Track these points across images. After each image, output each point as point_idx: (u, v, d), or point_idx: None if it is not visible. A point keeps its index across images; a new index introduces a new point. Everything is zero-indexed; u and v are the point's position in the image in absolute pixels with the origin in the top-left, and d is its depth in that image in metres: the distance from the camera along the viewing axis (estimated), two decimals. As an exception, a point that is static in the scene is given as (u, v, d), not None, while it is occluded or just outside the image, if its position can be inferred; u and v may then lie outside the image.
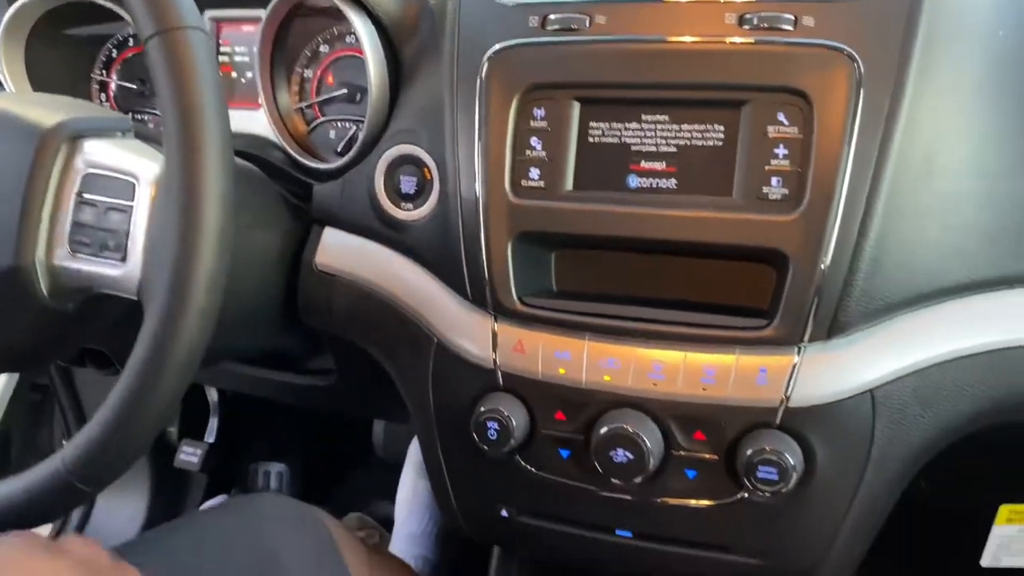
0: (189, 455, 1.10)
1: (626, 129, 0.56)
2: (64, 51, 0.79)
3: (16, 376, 0.53)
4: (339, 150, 0.74)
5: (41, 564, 0.46)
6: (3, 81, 0.76)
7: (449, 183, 0.60)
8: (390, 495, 1.17)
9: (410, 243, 0.63)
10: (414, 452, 1.14)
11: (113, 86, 0.81)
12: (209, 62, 0.46)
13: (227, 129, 0.47)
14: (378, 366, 0.71)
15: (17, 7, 0.72)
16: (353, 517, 1.20)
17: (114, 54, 0.81)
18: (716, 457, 0.56)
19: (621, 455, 0.55)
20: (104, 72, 0.81)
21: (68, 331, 0.54)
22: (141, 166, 0.48)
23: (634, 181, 0.56)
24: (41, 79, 0.77)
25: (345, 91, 0.73)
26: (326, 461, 1.30)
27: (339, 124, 0.74)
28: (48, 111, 0.50)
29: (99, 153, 0.49)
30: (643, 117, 0.55)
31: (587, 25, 0.56)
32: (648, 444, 0.55)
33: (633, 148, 0.56)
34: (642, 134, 0.56)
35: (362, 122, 0.72)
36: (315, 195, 0.68)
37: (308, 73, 0.74)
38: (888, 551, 0.67)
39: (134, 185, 0.47)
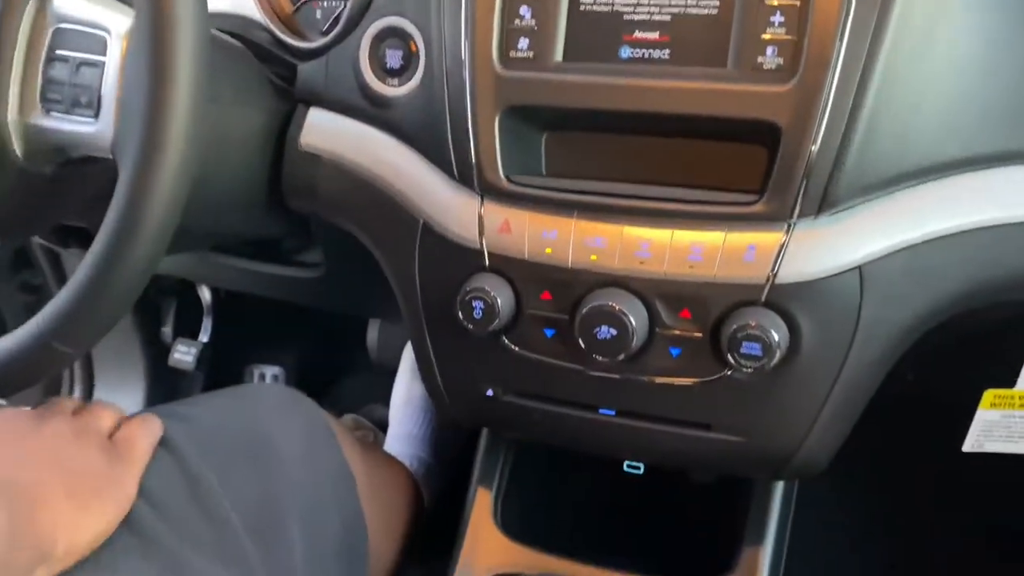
0: (184, 354, 1.11)
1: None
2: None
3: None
4: (324, 29, 0.71)
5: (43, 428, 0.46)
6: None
7: (435, 55, 0.58)
8: (384, 399, 1.18)
9: (396, 121, 0.62)
10: (408, 355, 1.14)
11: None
12: None
13: None
14: (367, 259, 0.70)
15: None
16: (348, 418, 1.21)
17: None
18: (701, 335, 0.55)
19: (605, 332, 0.55)
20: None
21: (47, 198, 0.53)
22: (112, 19, 0.46)
23: (626, 51, 0.55)
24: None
25: (331, -32, 0.70)
26: (321, 365, 1.31)
27: (325, 3, 0.72)
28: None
29: (69, 7, 0.47)
30: (637, -17, 0.53)
31: None
32: (633, 321, 0.55)
33: (625, 17, 0.54)
34: (635, 2, 0.54)
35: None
36: (300, 74, 0.66)
37: (293, -50, 0.71)
38: (869, 440, 0.68)
39: (105, 39, 0.46)
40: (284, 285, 0.87)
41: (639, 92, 0.53)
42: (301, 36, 0.71)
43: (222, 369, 1.21)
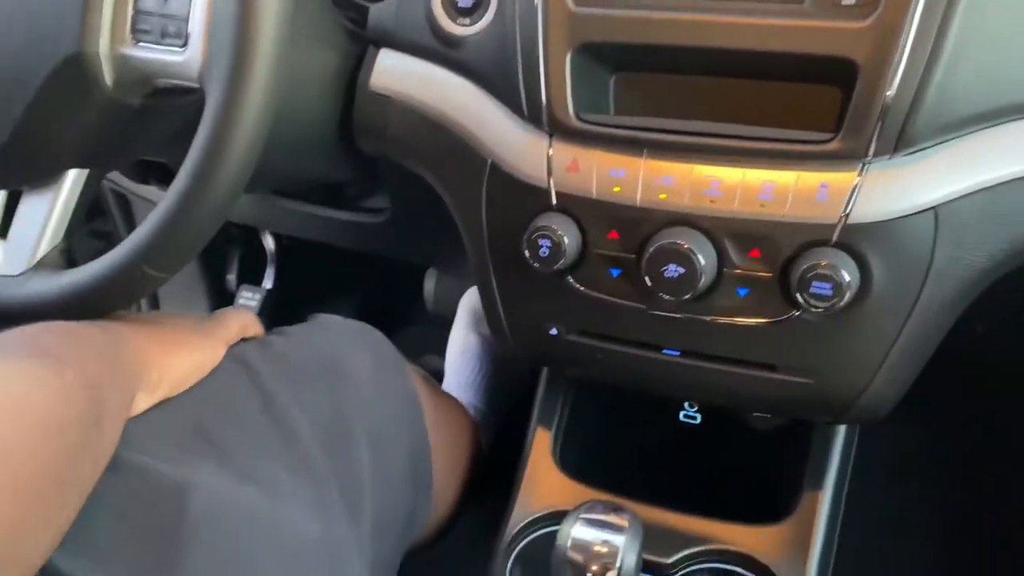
0: (248, 300, 1.14)
1: (695, -68, 0.54)
2: None
3: (85, 173, 0.54)
4: (396, -28, 0.72)
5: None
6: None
7: (508, -7, 0.58)
8: (440, 350, 1.20)
9: (466, 60, 0.62)
10: (466, 304, 1.15)
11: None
12: None
13: None
14: (433, 203, 0.71)
15: None
16: (406, 366, 1.23)
17: None
18: (770, 275, 0.55)
19: (672, 270, 0.55)
20: None
21: (132, 130, 0.55)
22: (201, -51, 0.47)
23: (702, -12, 0.54)
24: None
25: (403, -90, 0.70)
26: (378, 315, 1.33)
27: (396, -54, 0.72)
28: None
29: (158, -62, 0.49)
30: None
31: None
32: (701, 260, 0.55)
33: (704, -49, 0.54)
34: (712, -62, 0.54)
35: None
36: (371, 15, 0.67)
37: None
38: (934, 391, 0.67)
39: (194, -30, 0.47)
40: (349, 231, 0.89)
41: (715, 28, 0.53)
42: (371, -22, 0.72)
43: (283, 316, 1.24)
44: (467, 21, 0.62)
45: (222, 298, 1.20)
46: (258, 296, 1.14)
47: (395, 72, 0.66)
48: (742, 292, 0.57)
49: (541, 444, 0.74)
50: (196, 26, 0.47)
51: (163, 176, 0.77)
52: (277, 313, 1.22)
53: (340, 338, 0.64)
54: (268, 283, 1.17)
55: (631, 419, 0.83)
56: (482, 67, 0.61)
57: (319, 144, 0.70)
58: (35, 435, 0.35)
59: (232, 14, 0.45)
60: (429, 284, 1.20)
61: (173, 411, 0.49)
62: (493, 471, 0.87)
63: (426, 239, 0.93)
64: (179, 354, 0.51)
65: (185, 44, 0.48)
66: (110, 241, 1.20)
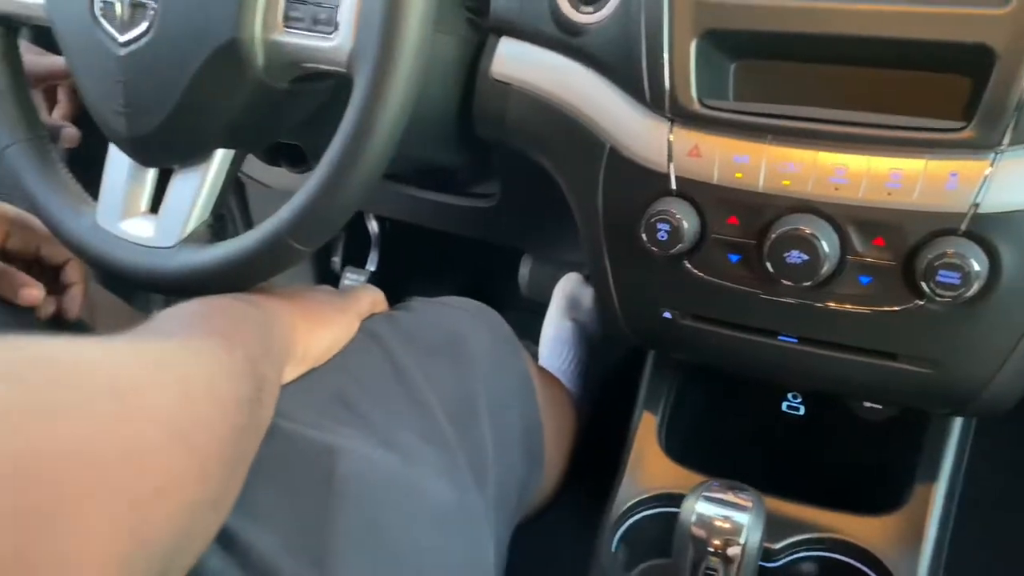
0: (352, 282, 1.18)
1: (827, -81, 0.54)
2: None
3: (231, 153, 0.58)
4: (516, -38, 0.74)
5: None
6: None
7: (633, -19, 0.59)
8: (533, 335, 1.22)
9: (587, 48, 0.64)
10: (560, 291, 1.17)
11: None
12: None
13: None
14: (544, 189, 0.73)
15: None
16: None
17: None
18: (894, 263, 0.55)
19: (795, 256, 0.56)
20: None
21: (276, 114, 0.58)
22: (352, -58, 0.50)
23: (832, -25, 0.54)
24: None
25: (524, -99, 0.72)
26: (474, 296, 1.36)
27: (516, -64, 0.74)
28: None
29: (311, -70, 0.51)
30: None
31: None
32: (825, 247, 0.55)
33: (834, -60, 0.54)
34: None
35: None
36: (493, 4, 0.69)
37: None
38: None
39: (344, -40, 0.50)
40: (455, 215, 0.92)
41: (846, 15, 0.53)
42: (491, -32, 0.74)
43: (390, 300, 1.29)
44: (590, 9, 0.63)
45: (327, 279, 1.25)
46: (362, 278, 1.18)
47: (516, 60, 0.68)
48: (865, 280, 0.57)
49: (647, 427, 0.75)
50: (346, 14, 0.50)
51: (293, 158, 0.81)
52: (391, 299, 1.26)
53: (461, 315, 0.66)
54: (371, 265, 1.21)
55: (734, 406, 0.84)
56: (604, 54, 0.63)
57: (437, 129, 0.72)
58: (216, 414, 0.38)
59: (381, 5, 0.47)
60: (524, 269, 1.22)
61: (316, 381, 0.52)
62: (588, 454, 0.88)
63: (529, 225, 0.95)
64: (321, 329, 0.54)
65: (335, 31, 0.50)
66: (223, 224, 1.25)
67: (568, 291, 1.15)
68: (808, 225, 0.56)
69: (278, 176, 0.91)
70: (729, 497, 0.57)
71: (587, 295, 1.14)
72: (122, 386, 0.33)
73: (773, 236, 0.56)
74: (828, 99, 0.57)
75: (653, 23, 0.58)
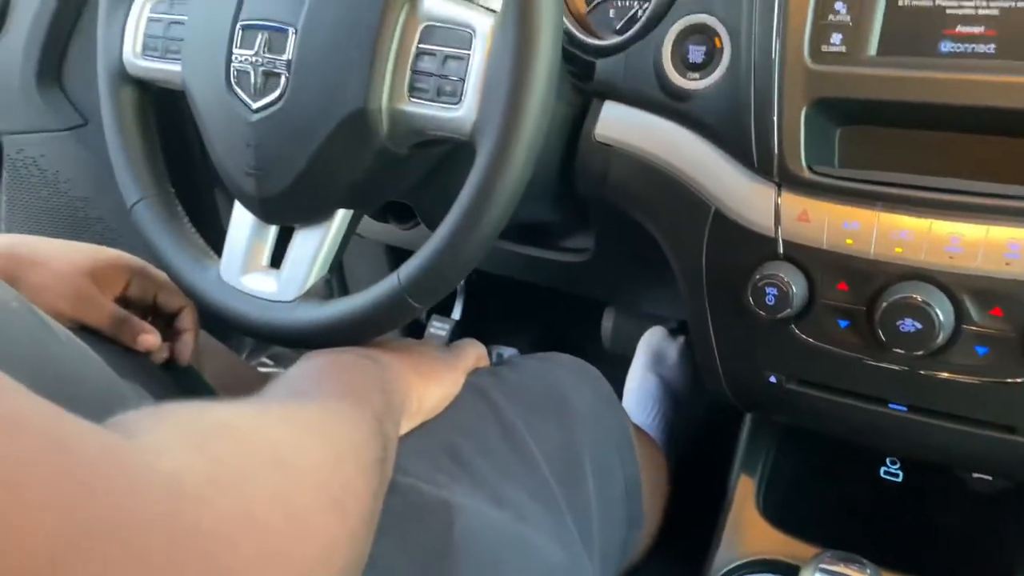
0: (438, 329, 1.20)
1: (940, -6, 0.54)
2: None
3: (351, 213, 0.61)
4: (618, 28, 0.76)
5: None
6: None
7: (742, 50, 0.60)
8: (615, 387, 1.22)
9: (693, 112, 0.65)
10: (644, 345, 1.17)
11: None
12: None
13: None
14: (635, 246, 0.74)
15: None
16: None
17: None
18: (1013, 334, 0.54)
19: (908, 325, 0.55)
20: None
21: (395, 176, 0.61)
22: (477, 19, 0.52)
23: (946, 46, 0.54)
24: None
25: (628, -31, 0.75)
26: (555, 349, 1.37)
27: (618, 3, 0.76)
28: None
29: (436, 6, 0.54)
30: (964, -20, 0.53)
31: None
32: (939, 316, 0.54)
33: (948, 11, 0.54)
34: (956, 1, 0.54)
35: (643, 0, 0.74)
36: (598, 69, 0.71)
37: (591, -47, 0.76)
38: None
39: (471, 36, 0.52)
40: (549, 269, 0.93)
41: (962, 86, 0.53)
42: (595, 35, 0.76)
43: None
44: (697, 76, 0.64)
45: (412, 327, 1.27)
46: (447, 326, 1.20)
47: (619, 122, 0.70)
48: (981, 350, 0.56)
49: (745, 490, 0.75)
50: (471, 87, 0.52)
51: (401, 216, 0.84)
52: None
53: (563, 372, 0.67)
54: (456, 314, 1.23)
55: (830, 469, 0.82)
56: (710, 119, 0.64)
57: (539, 187, 0.74)
58: (361, 477, 0.40)
59: (506, 79, 0.50)
60: (607, 321, 1.22)
61: (428, 435, 0.54)
62: (677, 512, 0.88)
63: (618, 279, 0.96)
64: (432, 383, 0.56)
65: (459, 102, 0.52)
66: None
67: (653, 345, 1.15)
68: (921, 293, 0.55)
69: (369, 225, 0.94)
70: (846, 570, 0.56)
71: (672, 350, 1.14)
72: (284, 454, 0.35)
73: (885, 303, 0.56)
74: (936, 166, 0.57)
75: (763, 91, 0.59)
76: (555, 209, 0.80)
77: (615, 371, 1.21)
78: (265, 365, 1.37)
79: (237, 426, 0.35)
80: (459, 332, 1.25)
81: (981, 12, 0.53)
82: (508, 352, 1.35)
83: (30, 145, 1.20)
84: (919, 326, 0.55)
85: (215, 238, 0.68)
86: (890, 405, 0.61)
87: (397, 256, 1.23)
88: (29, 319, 0.42)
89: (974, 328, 0.55)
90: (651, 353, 1.14)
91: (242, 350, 1.28)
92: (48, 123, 1.18)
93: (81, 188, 1.22)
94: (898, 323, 0.55)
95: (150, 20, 0.66)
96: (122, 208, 0.68)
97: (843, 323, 0.60)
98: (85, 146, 1.19)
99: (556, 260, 0.91)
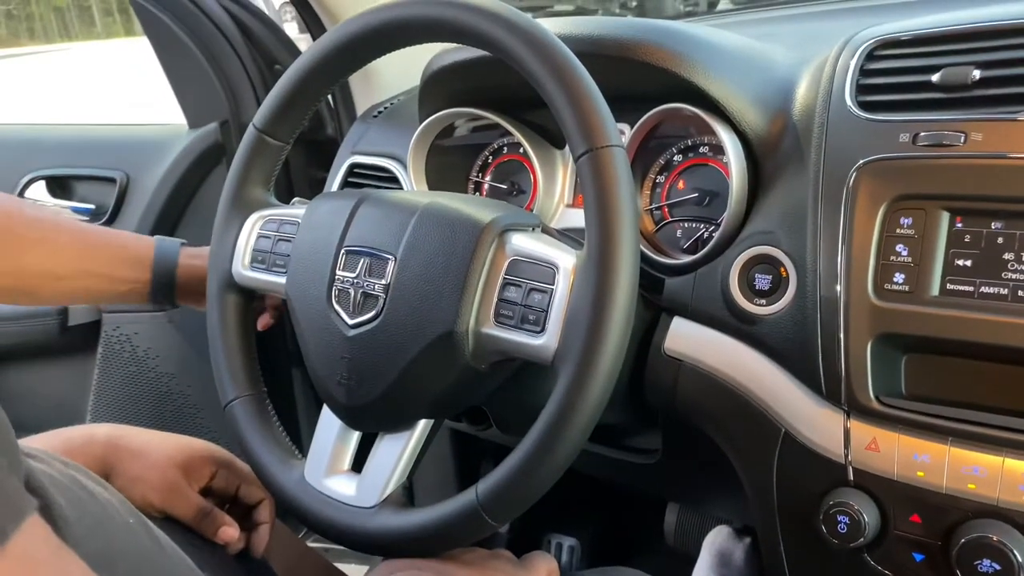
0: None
1: (999, 239, 0.58)
2: (451, 157, 0.95)
3: (431, 422, 0.64)
4: (685, 248, 0.81)
5: None
6: (409, 180, 0.92)
7: (808, 282, 0.64)
8: (679, 585, 1.19)
9: (761, 336, 0.68)
10: (709, 545, 1.14)
11: (487, 186, 0.95)
12: (626, 172, 0.55)
13: (637, 229, 0.55)
14: (706, 454, 0.75)
15: (428, 122, 0.89)
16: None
17: (489, 160, 0.95)
18: (1097, 580, 0.53)
19: (987, 566, 0.55)
20: (480, 174, 0.95)
21: (474, 389, 0.64)
22: (560, 257, 0.57)
23: (1007, 289, 0.57)
24: (432, 179, 0.93)
25: (695, 195, 0.80)
26: (616, 541, 1.34)
27: (686, 224, 0.81)
28: (482, 209, 0.62)
29: (523, 244, 0.59)
30: (1022, 227, 0.57)
31: (962, 142, 0.59)
32: (1019, 557, 0.54)
33: (1005, 257, 0.58)
34: (1016, 245, 0.57)
35: (708, 223, 0.79)
36: (667, 287, 0.75)
37: (660, 179, 0.83)
38: None
39: (554, 271, 0.57)
40: (616, 467, 0.94)
41: (1022, 329, 0.55)
42: (662, 252, 0.81)
43: (526, 533, 1.29)
44: (763, 302, 0.68)
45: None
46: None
47: (688, 338, 0.73)
48: (1065, 595, 0.54)
49: None
50: (553, 318, 0.56)
51: (474, 418, 0.87)
52: (520, 530, 1.27)
53: None
54: (519, 504, 1.23)
55: None
56: (777, 344, 0.67)
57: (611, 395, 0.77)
58: None
59: (588, 314, 0.54)
60: (671, 518, 1.21)
61: None
62: None
63: (684, 479, 0.96)
64: None
65: (542, 331, 0.57)
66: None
67: (718, 546, 1.12)
68: (997, 533, 0.55)
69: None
70: None
71: (739, 551, 1.11)
72: None
73: (962, 541, 0.56)
74: (1005, 398, 0.58)
75: (829, 323, 0.62)
76: (624, 414, 0.82)
77: (678, 566, 1.18)
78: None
79: None
80: (522, 525, 1.25)
81: (1038, 261, 0.56)
82: (569, 542, 1.33)
83: (126, 323, 1.29)
84: (998, 568, 0.54)
85: (294, 440, 0.71)
86: (971, 645, 0.59)
87: (460, 439, 1.26)
88: (141, 535, 0.45)
89: (1056, 572, 0.54)
90: (716, 554, 1.11)
91: (299, 528, 1.29)
92: (145, 304, 1.27)
93: (168, 364, 1.29)
94: (976, 563, 0.55)
95: (260, 236, 0.73)
96: (204, 384, 0.72)
97: (918, 556, 0.59)
98: (176, 327, 1.28)
99: (624, 460, 0.92)
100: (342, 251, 0.65)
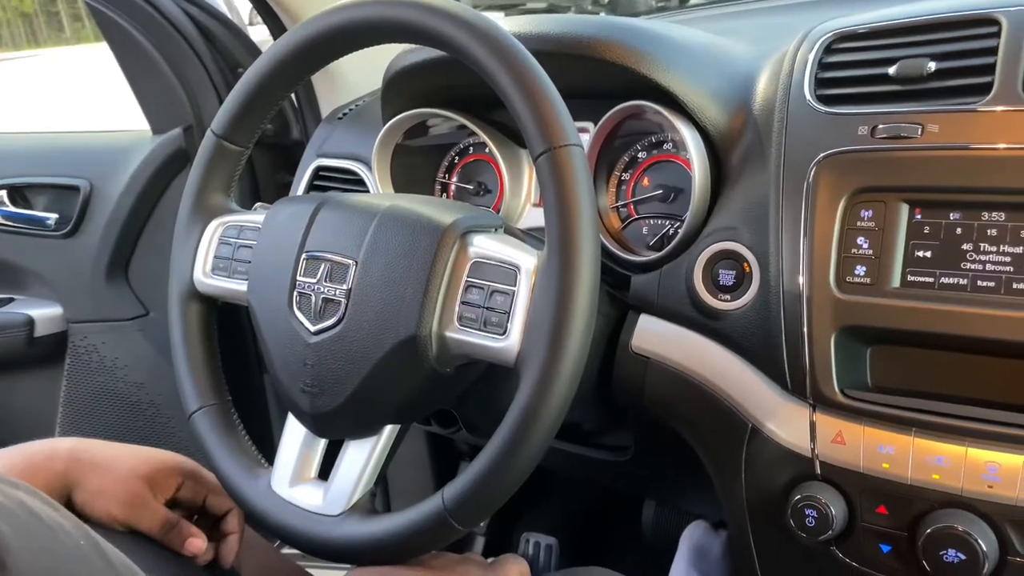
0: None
1: (957, 230, 0.58)
2: (417, 158, 0.94)
3: (397, 427, 0.63)
4: (651, 244, 0.81)
5: None
6: (375, 182, 0.91)
7: (771, 277, 0.64)
8: (652, 578, 1.19)
9: (725, 331, 0.68)
10: (686, 540, 1.15)
11: (453, 187, 0.94)
12: (584, 171, 0.55)
13: (597, 229, 0.55)
14: (677, 451, 0.75)
15: (392, 124, 0.88)
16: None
17: (455, 160, 0.95)
18: (1061, 568, 0.54)
19: (952, 556, 0.55)
20: (447, 175, 0.95)
21: (440, 392, 0.64)
22: (522, 258, 0.57)
23: (966, 280, 0.57)
24: (398, 181, 0.93)
25: (660, 192, 0.80)
26: (594, 539, 1.34)
27: (652, 221, 0.81)
28: (443, 211, 0.61)
29: (485, 245, 0.59)
30: (980, 218, 0.57)
31: (919, 134, 0.59)
32: (983, 547, 0.54)
33: (963, 248, 0.58)
34: (974, 236, 0.57)
35: (674, 219, 0.79)
36: (633, 285, 0.75)
37: (626, 176, 0.83)
38: None
39: (516, 273, 0.56)
40: (588, 466, 0.94)
41: (978, 319, 0.56)
42: (629, 250, 0.80)
43: (502, 532, 1.29)
44: (728, 297, 0.68)
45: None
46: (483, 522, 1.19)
47: (655, 336, 0.73)
48: (1030, 582, 0.55)
49: None
50: (516, 320, 0.56)
51: (444, 421, 0.87)
52: (497, 529, 1.27)
53: None
54: (495, 504, 1.22)
55: None
56: (742, 339, 0.67)
57: (579, 394, 0.76)
58: None
59: (549, 315, 0.53)
60: (648, 514, 1.21)
61: None
62: None
63: (658, 476, 0.96)
64: None
65: (505, 332, 0.56)
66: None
67: (695, 540, 1.12)
68: (962, 522, 0.55)
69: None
70: None
71: (716, 545, 1.12)
72: None
73: (927, 532, 0.56)
74: (967, 387, 0.58)
75: (793, 317, 0.62)
76: (594, 412, 0.82)
77: (657, 562, 1.18)
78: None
79: None
80: (498, 524, 1.25)
81: (1001, 248, 0.57)
82: (546, 541, 1.33)
83: (93, 333, 1.27)
84: (963, 557, 0.55)
85: (267, 446, 0.70)
86: (939, 635, 0.59)
87: (436, 442, 1.25)
88: (92, 557, 0.44)
89: (1020, 559, 0.55)
90: (694, 549, 1.11)
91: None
92: (113, 313, 1.26)
93: (137, 373, 1.28)
94: (941, 553, 0.55)
95: (221, 243, 0.72)
96: (174, 392, 0.71)
97: (885, 548, 0.59)
98: (144, 335, 1.26)
99: (596, 458, 0.92)
100: (302, 256, 0.64)
